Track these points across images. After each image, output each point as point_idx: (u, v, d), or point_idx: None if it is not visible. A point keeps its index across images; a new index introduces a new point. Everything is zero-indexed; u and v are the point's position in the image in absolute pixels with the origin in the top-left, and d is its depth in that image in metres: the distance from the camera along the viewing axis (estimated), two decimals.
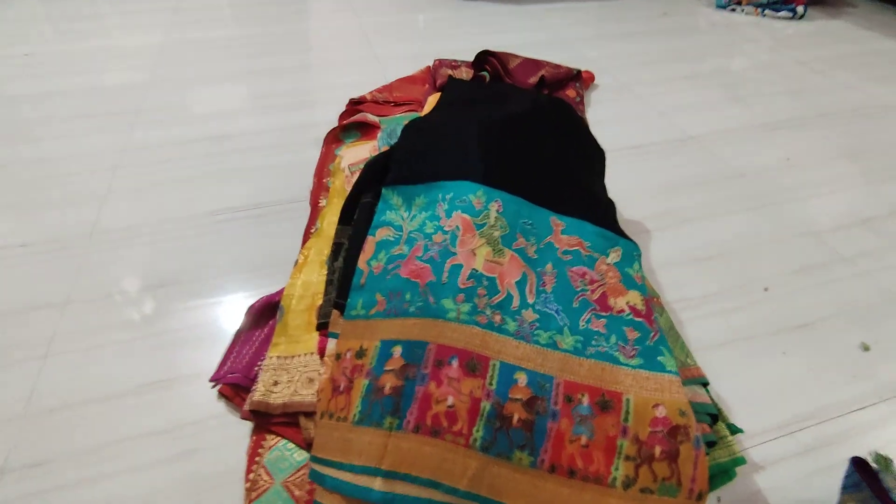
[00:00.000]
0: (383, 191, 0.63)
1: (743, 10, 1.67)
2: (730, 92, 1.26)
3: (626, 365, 0.50)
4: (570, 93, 1.16)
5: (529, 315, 0.53)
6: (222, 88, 1.26)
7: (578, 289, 0.56)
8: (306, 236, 0.79)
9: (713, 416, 0.52)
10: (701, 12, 1.73)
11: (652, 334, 0.52)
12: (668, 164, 1.00)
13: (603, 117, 1.13)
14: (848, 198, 0.93)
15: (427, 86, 1.19)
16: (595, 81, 1.26)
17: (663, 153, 1.04)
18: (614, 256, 0.59)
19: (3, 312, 0.69)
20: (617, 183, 0.80)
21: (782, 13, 1.63)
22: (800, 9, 1.61)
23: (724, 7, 1.71)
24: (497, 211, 0.59)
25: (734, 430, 0.54)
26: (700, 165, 1.00)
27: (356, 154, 0.85)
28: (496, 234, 0.57)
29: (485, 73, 1.16)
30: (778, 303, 0.72)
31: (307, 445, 0.53)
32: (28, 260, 0.77)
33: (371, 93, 1.13)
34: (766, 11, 1.64)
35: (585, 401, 0.47)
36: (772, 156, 1.03)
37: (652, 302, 0.56)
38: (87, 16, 1.66)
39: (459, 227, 0.57)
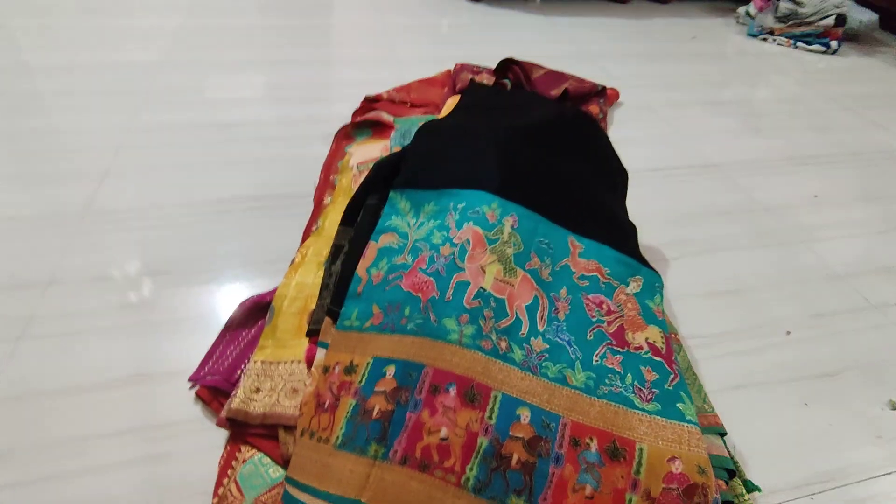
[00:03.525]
0: (391, 193, 0.59)
1: (775, 41, 1.63)
2: (755, 122, 1.22)
3: (642, 410, 0.45)
4: (594, 109, 1.12)
5: (539, 344, 0.48)
6: (235, 76, 1.23)
7: (594, 319, 0.51)
8: (306, 234, 0.75)
9: (730, 471, 0.47)
10: (731, 39, 1.69)
11: (671, 377, 0.48)
12: (688, 190, 0.96)
13: (624, 136, 1.09)
14: (881, 242, 0.88)
15: (446, 89, 1.15)
16: (619, 99, 1.23)
17: (685, 179, 0.99)
18: (634, 286, 0.55)
19: None
20: (634, 205, 0.75)
21: (815, 46, 1.58)
22: (833, 44, 1.57)
23: (755, 36, 1.67)
24: (512, 226, 0.55)
25: (750, 488, 0.49)
26: (723, 195, 0.95)
27: (366, 152, 0.81)
28: (509, 251, 0.53)
29: (506, 81, 1.13)
30: (800, 348, 0.67)
31: (284, 462, 0.49)
32: (15, 234, 0.74)
33: (388, 92, 1.10)
34: (799, 43, 1.60)
35: (594, 446, 0.42)
36: (798, 192, 0.98)
37: (672, 339, 0.51)
38: None
39: (470, 241, 0.53)
